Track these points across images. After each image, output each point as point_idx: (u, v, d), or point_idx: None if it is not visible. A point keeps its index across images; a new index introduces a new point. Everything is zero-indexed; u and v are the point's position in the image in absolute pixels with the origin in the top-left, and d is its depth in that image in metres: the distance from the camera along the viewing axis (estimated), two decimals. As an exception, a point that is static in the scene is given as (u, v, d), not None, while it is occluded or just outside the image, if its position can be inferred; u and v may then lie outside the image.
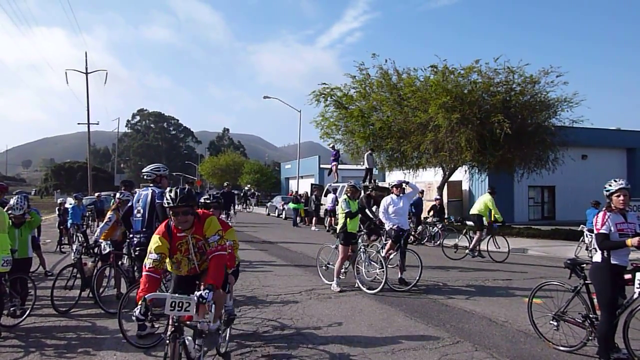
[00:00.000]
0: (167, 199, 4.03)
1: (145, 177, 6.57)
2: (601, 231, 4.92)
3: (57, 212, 15.95)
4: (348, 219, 8.82)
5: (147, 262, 3.97)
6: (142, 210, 6.33)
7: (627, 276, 4.94)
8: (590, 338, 5.26)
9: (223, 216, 13.86)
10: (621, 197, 4.99)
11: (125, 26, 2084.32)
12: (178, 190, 4.07)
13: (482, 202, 13.16)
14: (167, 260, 4.20)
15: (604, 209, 5.14)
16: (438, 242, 16.68)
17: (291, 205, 26.62)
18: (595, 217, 5.08)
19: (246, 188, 46.63)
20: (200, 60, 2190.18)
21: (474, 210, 13.33)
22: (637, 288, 4.82)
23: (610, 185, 5.08)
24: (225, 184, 23.07)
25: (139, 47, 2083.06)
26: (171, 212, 4.06)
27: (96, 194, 20.40)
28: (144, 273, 3.96)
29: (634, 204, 17.57)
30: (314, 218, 23.22)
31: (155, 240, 4.08)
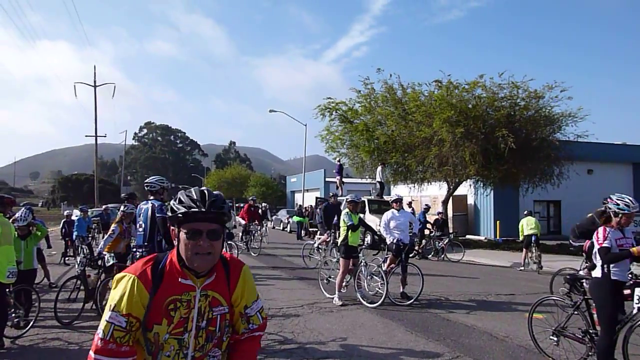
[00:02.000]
0: (183, 201, 2.00)
1: (147, 188, 6.63)
2: (604, 245, 4.92)
3: (61, 224, 16.04)
4: (349, 232, 8.86)
5: (102, 329, 1.94)
6: (143, 225, 6.41)
7: (627, 292, 4.95)
8: (590, 354, 5.26)
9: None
10: (630, 220, 5.01)
11: (130, 40, 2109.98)
12: (205, 190, 2.06)
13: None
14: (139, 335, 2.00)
15: (602, 224, 5.14)
16: (442, 257, 16.70)
17: (295, 218, 26.73)
18: (596, 232, 5.10)
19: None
20: (205, 74, 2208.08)
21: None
22: (637, 304, 4.84)
23: (623, 204, 4.94)
24: (250, 198, 19.16)
25: (144, 61, 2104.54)
26: (184, 231, 1.97)
27: (103, 207, 20.55)
28: (92, 356, 1.93)
29: (639, 219, 17.47)
30: (318, 232, 23.23)
31: (122, 287, 1.98)
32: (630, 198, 4.99)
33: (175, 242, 2.02)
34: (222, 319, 2.10)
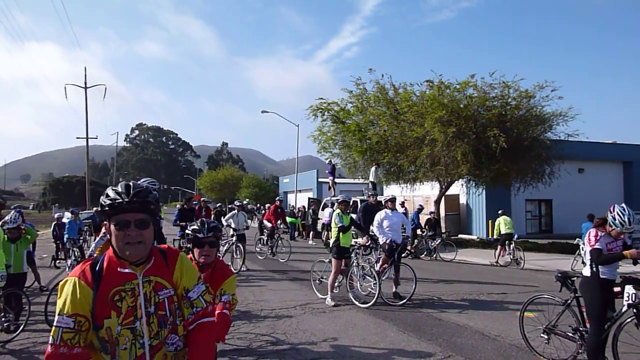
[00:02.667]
0: (110, 195, 2.08)
1: None
2: (596, 247, 4.95)
3: (52, 227, 15.92)
4: (341, 233, 8.87)
5: (51, 336, 1.98)
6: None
7: (617, 289, 5.00)
8: (580, 351, 5.29)
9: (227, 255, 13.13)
10: (619, 236, 5.03)
11: (118, 41, 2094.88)
12: (131, 183, 2.17)
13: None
14: (92, 334, 2.02)
15: (594, 226, 5.16)
16: (435, 256, 16.75)
17: (288, 219, 26.70)
18: (588, 233, 5.13)
19: (245, 202, 46.56)
20: (195, 75, 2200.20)
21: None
22: (626, 301, 4.88)
23: (619, 222, 4.88)
24: (277, 198, 18.73)
25: (133, 63, 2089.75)
26: (113, 223, 2.05)
27: (94, 209, 20.44)
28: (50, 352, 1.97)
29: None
30: (311, 232, 23.26)
31: (65, 291, 2.02)
32: (630, 217, 4.88)
33: (108, 236, 2.09)
34: (170, 301, 2.15)
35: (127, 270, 2.07)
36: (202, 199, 18.53)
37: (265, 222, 16.85)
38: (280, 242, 16.20)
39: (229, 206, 35.09)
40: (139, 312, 2.06)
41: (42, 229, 24.90)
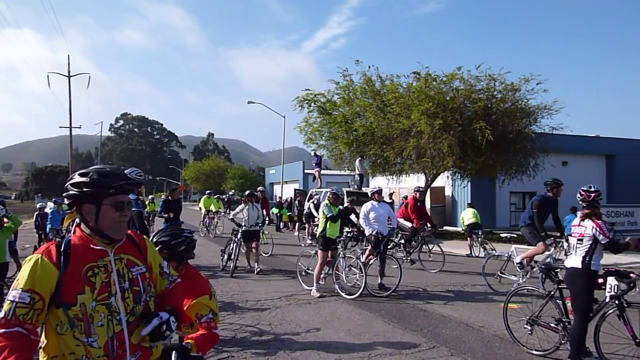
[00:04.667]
0: (104, 176, 2.11)
1: None
2: (611, 237, 4.99)
3: (34, 217, 15.70)
4: (329, 223, 8.86)
5: (3, 310, 1.93)
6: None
7: (600, 280, 5.05)
8: (563, 342, 5.35)
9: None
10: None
11: (97, 29, 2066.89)
12: (110, 167, 2.25)
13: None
14: (52, 314, 1.99)
15: (593, 217, 5.12)
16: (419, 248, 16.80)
17: (274, 210, 26.63)
18: (597, 226, 5.02)
19: (231, 193, 46.42)
20: (178, 65, 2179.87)
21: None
22: (609, 292, 4.93)
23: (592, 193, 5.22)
24: (259, 189, 16.71)
25: (115, 52, 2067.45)
26: (108, 204, 2.09)
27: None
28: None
29: (612, 210, 17.89)
30: (297, 223, 23.22)
31: (26, 267, 1.98)
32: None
33: (84, 218, 2.11)
34: (143, 278, 2.19)
35: (99, 247, 2.09)
36: (259, 188, 16.12)
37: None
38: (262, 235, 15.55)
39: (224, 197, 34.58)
40: (113, 287, 2.06)
41: (25, 219, 24.51)
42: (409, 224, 13.01)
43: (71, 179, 2.14)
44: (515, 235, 18.91)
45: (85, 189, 2.08)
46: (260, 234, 12.51)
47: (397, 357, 5.48)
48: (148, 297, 2.20)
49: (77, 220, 2.17)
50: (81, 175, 2.12)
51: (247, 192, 12.37)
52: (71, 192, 2.11)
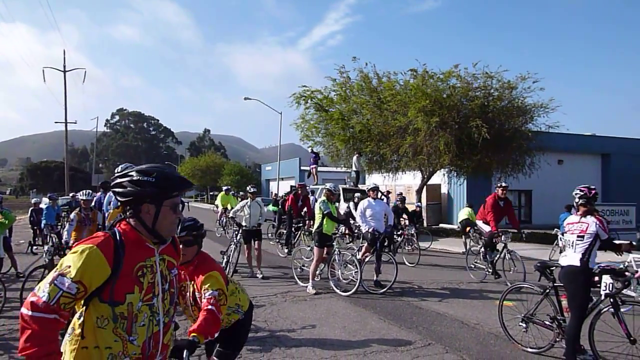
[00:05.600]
0: (170, 178, 2.12)
1: None
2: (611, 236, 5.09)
3: (29, 213, 15.62)
4: (325, 220, 8.86)
5: (47, 292, 1.85)
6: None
7: (595, 279, 5.06)
8: (557, 340, 5.36)
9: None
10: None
11: (91, 25, 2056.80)
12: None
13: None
14: (95, 307, 1.97)
15: (594, 215, 5.17)
16: (414, 246, 16.80)
17: (270, 207, 26.58)
18: (599, 221, 5.08)
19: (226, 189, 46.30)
20: (173, 61, 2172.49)
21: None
22: (603, 291, 4.94)
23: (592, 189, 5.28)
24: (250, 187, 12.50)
25: (110, 47, 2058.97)
26: (168, 206, 2.13)
27: (71, 194, 20.12)
28: (32, 315, 1.83)
29: (607, 209, 17.95)
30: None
31: (78, 255, 1.91)
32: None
33: (141, 217, 2.08)
34: (179, 279, 2.29)
35: (150, 246, 2.12)
36: (249, 187, 12.96)
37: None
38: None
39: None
40: (157, 289, 2.10)
41: (20, 215, 24.42)
42: (487, 228, 10.62)
43: (126, 175, 2.08)
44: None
45: (148, 189, 2.05)
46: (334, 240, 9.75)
47: (392, 354, 5.48)
48: (177, 298, 2.26)
49: (120, 216, 2.14)
50: (142, 174, 2.06)
51: (251, 189, 11.23)
52: (130, 189, 2.05)
